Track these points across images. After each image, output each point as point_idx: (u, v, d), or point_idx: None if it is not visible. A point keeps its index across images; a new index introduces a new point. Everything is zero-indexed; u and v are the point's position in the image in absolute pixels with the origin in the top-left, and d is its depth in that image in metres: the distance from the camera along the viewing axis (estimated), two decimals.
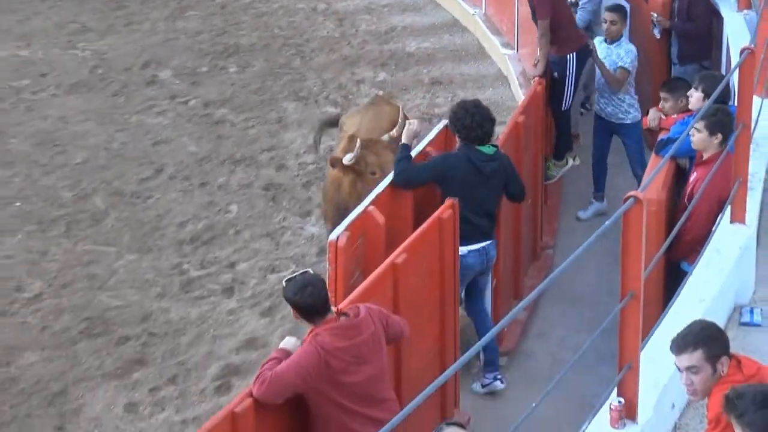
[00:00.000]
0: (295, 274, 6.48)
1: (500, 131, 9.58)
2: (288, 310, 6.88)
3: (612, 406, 5.87)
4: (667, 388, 6.17)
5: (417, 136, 8.67)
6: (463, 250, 8.18)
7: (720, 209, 7.54)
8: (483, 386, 8.64)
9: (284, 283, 6.41)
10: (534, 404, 5.32)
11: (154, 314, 9.82)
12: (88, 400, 8.87)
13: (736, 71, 7.44)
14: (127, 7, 16.59)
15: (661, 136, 8.67)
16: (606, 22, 10.44)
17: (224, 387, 8.95)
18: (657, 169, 6.90)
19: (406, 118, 9.21)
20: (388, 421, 5.99)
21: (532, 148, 9.87)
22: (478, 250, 8.34)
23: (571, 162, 10.68)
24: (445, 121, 8.95)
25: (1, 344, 9.49)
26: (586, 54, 10.34)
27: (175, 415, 8.70)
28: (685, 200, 7.81)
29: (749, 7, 10.57)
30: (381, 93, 12.90)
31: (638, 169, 10.24)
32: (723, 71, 10.05)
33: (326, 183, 9.26)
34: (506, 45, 13.89)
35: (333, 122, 10.83)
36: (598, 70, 10.44)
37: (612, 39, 10.35)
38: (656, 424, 6.10)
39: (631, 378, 5.83)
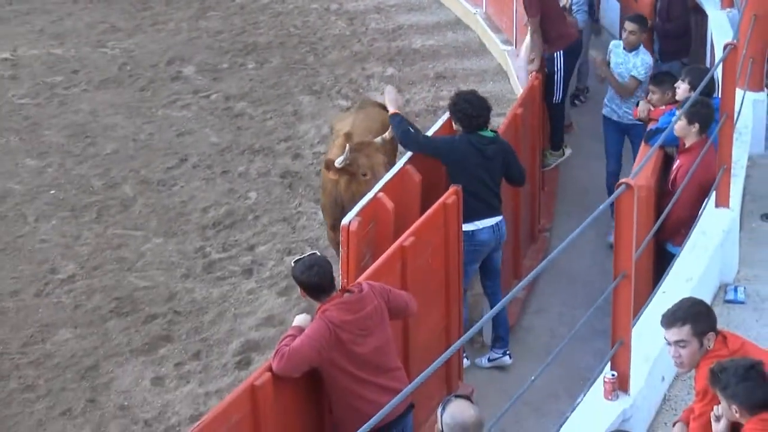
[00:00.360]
0: (302, 256, 6.46)
1: (500, 122, 9.57)
2: None
3: (606, 379, 5.86)
4: (657, 361, 6.16)
5: (398, 98, 8.58)
6: (477, 224, 8.13)
7: (700, 194, 7.51)
8: (490, 360, 8.60)
9: (292, 264, 6.39)
10: (533, 377, 5.32)
11: (179, 294, 9.81)
12: (118, 374, 8.87)
13: (720, 65, 7.42)
14: (153, 8, 16.56)
15: (650, 126, 8.66)
16: (626, 32, 10.02)
17: (244, 361, 8.94)
18: (647, 157, 6.87)
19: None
20: (398, 389, 6.04)
21: (530, 137, 9.84)
22: (491, 226, 8.25)
23: (567, 152, 10.64)
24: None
25: (37, 322, 9.51)
26: (576, 51, 10.26)
27: (199, 388, 8.70)
28: (669, 186, 7.79)
29: (732, 5, 10.53)
30: (367, 95, 12.85)
31: None
32: (708, 65, 10.01)
33: (323, 180, 9.10)
34: (506, 42, 13.86)
35: None
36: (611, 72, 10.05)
37: (631, 48, 9.96)
38: (647, 396, 6.09)
39: (624, 353, 5.83)
